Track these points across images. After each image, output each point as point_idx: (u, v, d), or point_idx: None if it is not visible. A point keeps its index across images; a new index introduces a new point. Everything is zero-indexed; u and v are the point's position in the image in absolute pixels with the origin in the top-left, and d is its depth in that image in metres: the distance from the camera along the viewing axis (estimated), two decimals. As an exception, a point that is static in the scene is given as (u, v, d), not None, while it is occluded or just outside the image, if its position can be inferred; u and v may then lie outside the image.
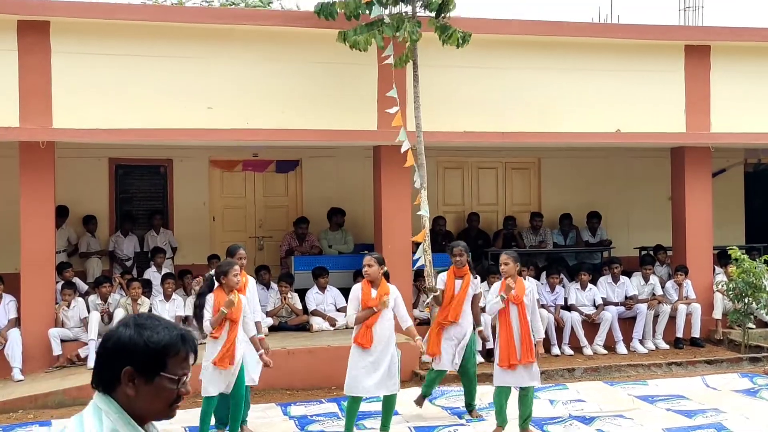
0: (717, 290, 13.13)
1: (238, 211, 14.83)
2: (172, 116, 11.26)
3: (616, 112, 12.79)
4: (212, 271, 8.37)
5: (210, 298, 8.02)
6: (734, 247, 12.55)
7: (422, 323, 12.23)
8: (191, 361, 2.56)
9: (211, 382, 7.92)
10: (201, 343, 8.12)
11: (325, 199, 14.41)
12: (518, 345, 8.18)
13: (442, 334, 9.25)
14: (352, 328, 8.36)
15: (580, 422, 9.08)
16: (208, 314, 8.00)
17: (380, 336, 8.14)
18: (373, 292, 8.21)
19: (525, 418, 8.32)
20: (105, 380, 2.51)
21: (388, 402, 8.37)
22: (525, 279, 8.55)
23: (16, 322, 11.23)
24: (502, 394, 8.33)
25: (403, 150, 11.18)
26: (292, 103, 11.69)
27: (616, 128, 12.77)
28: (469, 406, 9.35)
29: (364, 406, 9.52)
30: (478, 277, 9.63)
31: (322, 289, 12.52)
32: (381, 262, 8.34)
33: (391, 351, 8.21)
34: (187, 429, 8.45)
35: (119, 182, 14.30)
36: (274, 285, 12.72)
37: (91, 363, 10.94)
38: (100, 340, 10.21)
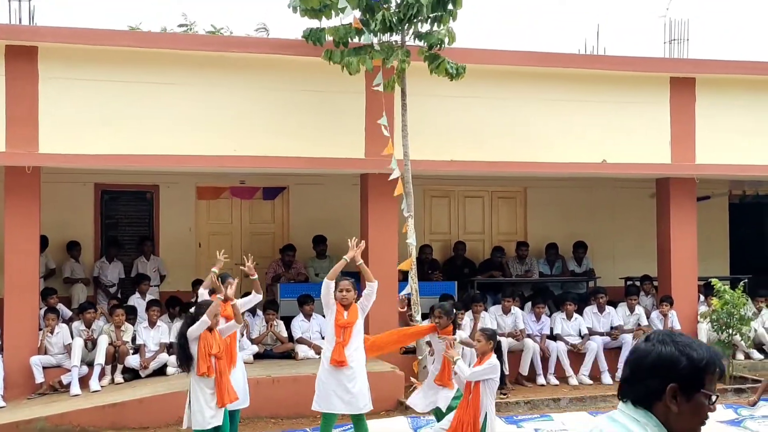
0: (701, 321, 13.16)
1: (224, 238, 14.79)
2: (159, 142, 11.25)
3: (602, 143, 12.88)
4: (192, 310, 8.36)
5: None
6: (715, 279, 12.61)
7: (408, 351, 12.19)
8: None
9: (203, 413, 7.92)
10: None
11: (311, 226, 14.40)
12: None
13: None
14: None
15: (565, 453, 9.07)
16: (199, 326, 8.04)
17: (352, 356, 8.29)
18: (345, 314, 8.34)
19: None
20: (640, 394, 2.54)
21: (359, 427, 8.44)
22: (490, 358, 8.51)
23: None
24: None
25: (392, 178, 11.20)
26: (280, 130, 11.71)
27: (602, 159, 12.85)
28: None
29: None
30: (458, 332, 9.62)
31: (308, 316, 12.47)
32: (356, 287, 8.56)
33: (363, 371, 8.37)
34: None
35: (105, 207, 14.26)
36: (259, 312, 12.66)
37: (74, 390, 10.85)
38: (83, 366, 10.14)
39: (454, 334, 9.63)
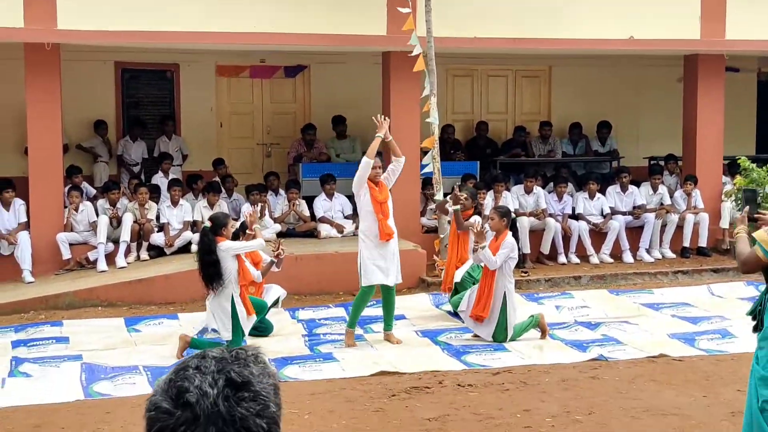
0: (725, 200, 13.10)
1: (246, 117, 14.72)
2: (179, 19, 11.09)
3: (629, 18, 12.54)
4: (207, 224, 8.42)
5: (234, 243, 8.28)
6: (743, 158, 12.45)
7: (429, 231, 12.26)
8: None
9: (246, 324, 8.25)
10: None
11: (333, 105, 14.27)
12: (473, 296, 8.63)
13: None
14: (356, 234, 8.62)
15: (585, 327, 9.19)
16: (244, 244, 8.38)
17: (391, 228, 8.57)
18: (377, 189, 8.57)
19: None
20: None
21: (389, 300, 8.62)
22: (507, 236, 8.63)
23: (26, 226, 11.27)
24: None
25: (413, 53, 10.99)
26: (301, 7, 11.49)
27: (629, 35, 12.54)
28: None
29: (368, 311, 9.61)
30: (477, 218, 9.70)
31: (330, 196, 12.49)
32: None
33: (397, 245, 8.69)
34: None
35: (126, 87, 14.16)
36: (282, 191, 12.72)
37: (101, 266, 11.02)
38: (108, 243, 10.43)
39: (475, 214, 9.72)
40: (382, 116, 8.69)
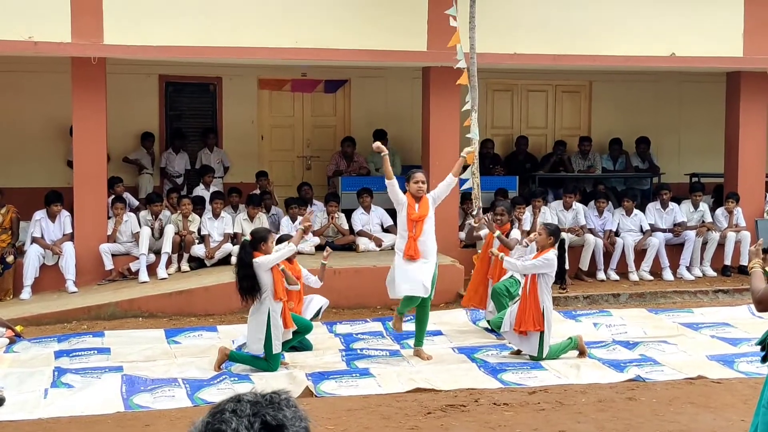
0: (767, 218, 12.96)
1: (286, 130, 14.85)
2: (222, 34, 11.24)
3: (671, 35, 12.47)
4: (247, 238, 8.48)
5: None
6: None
7: (467, 246, 12.27)
8: None
9: (279, 338, 8.21)
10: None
11: (373, 119, 14.35)
12: (515, 312, 8.52)
13: (488, 289, 9.59)
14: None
15: (623, 347, 9.13)
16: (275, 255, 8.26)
17: (424, 246, 8.47)
18: (416, 207, 8.53)
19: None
20: None
21: (422, 317, 8.66)
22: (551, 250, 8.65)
23: (71, 236, 11.47)
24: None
25: (457, 67, 11.01)
26: (342, 22, 11.58)
27: (671, 52, 12.48)
28: None
29: (405, 326, 9.63)
30: (515, 231, 9.81)
31: (367, 209, 12.55)
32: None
33: (433, 262, 8.54)
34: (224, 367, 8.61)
35: (169, 99, 14.36)
36: (318, 202, 12.80)
37: (143, 277, 11.19)
38: (150, 254, 10.58)
39: (511, 230, 9.76)
40: (376, 143, 8.80)
